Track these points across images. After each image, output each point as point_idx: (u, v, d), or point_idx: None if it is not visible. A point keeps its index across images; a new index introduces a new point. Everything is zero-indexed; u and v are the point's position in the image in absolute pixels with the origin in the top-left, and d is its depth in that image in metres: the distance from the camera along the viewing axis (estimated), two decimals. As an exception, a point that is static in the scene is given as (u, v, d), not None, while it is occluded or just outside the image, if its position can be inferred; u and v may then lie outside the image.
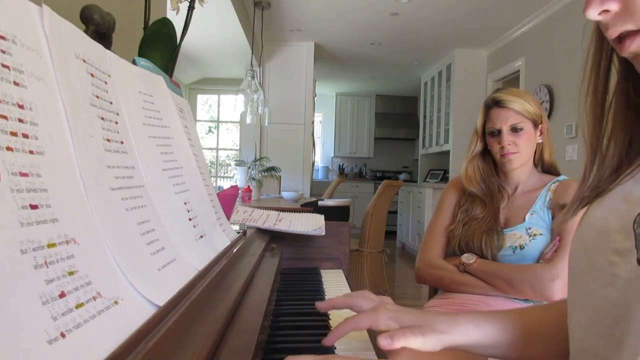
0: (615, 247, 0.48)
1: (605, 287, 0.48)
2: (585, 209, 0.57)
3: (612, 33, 0.46)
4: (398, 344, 0.60)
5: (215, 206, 0.81)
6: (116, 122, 0.50)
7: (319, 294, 0.96)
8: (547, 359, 0.66)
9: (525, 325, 0.66)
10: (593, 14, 0.46)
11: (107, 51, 0.54)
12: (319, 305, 0.66)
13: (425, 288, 3.34)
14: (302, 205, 2.93)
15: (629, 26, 0.45)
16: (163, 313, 0.41)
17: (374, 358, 0.65)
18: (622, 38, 0.46)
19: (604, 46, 0.53)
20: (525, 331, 0.65)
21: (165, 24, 0.95)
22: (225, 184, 6.41)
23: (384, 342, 0.59)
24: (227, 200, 0.97)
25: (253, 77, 3.75)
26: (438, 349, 0.63)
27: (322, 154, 8.38)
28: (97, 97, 0.47)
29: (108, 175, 0.45)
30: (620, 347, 0.46)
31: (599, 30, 0.52)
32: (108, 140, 0.47)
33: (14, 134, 0.32)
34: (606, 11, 0.45)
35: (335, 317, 0.78)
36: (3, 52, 0.33)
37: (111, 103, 0.51)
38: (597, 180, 0.55)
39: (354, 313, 0.68)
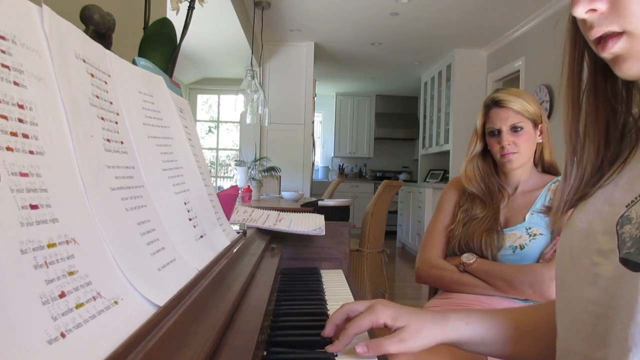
0: (599, 248, 0.49)
1: (587, 287, 0.49)
2: (571, 211, 0.58)
3: (596, 32, 0.47)
4: (373, 353, 0.62)
5: (215, 206, 0.81)
6: (116, 122, 0.50)
7: (319, 294, 0.96)
8: (536, 356, 0.67)
9: (515, 323, 0.67)
10: (580, 11, 0.46)
11: (107, 51, 0.54)
12: (324, 332, 0.66)
13: (425, 288, 3.33)
14: (302, 205, 2.93)
15: (614, 27, 0.45)
16: (163, 313, 0.41)
17: None
18: (604, 38, 0.46)
19: (577, 47, 0.54)
20: (516, 329, 0.66)
21: (165, 24, 0.95)
22: (225, 184, 6.41)
23: (359, 350, 0.62)
24: (227, 200, 0.96)
25: (253, 77, 3.75)
26: (428, 347, 0.64)
27: (322, 154, 8.38)
28: (97, 97, 0.47)
29: (108, 175, 0.45)
30: (604, 344, 0.46)
31: (572, 31, 0.53)
32: (108, 140, 0.47)
33: (14, 134, 0.32)
34: (593, 10, 0.46)
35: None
36: (3, 52, 0.33)
37: (111, 103, 0.51)
38: (580, 178, 0.56)
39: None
